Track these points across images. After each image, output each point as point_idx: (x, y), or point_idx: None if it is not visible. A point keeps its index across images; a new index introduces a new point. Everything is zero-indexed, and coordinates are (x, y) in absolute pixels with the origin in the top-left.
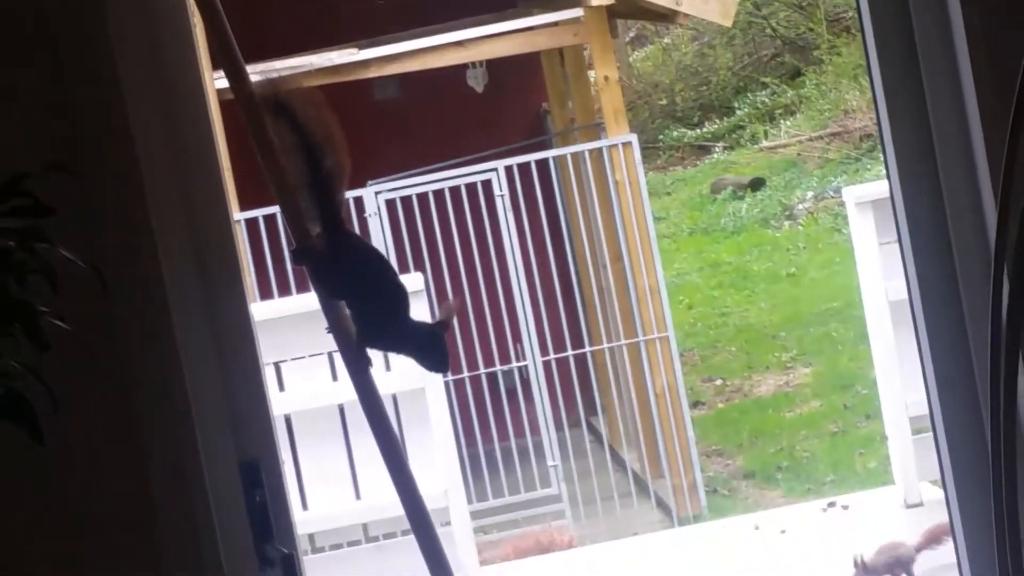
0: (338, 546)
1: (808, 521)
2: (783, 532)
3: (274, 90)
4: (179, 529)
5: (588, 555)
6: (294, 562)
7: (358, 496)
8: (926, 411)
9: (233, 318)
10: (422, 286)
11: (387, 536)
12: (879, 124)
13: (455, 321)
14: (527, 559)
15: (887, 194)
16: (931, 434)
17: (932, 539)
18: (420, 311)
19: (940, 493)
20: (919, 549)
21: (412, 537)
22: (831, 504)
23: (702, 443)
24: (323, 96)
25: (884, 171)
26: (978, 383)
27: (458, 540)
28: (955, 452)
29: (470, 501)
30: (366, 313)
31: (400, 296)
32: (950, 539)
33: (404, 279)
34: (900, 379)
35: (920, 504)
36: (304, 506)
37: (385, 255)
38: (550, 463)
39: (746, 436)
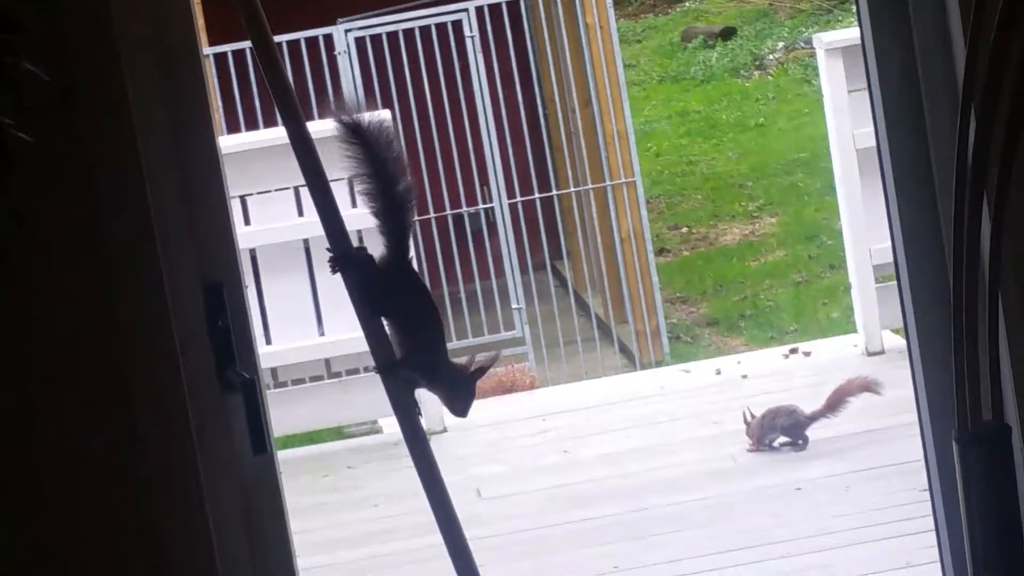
0: (300, 381)
1: (769, 366)
2: (744, 377)
3: (351, 117)
4: (143, 351)
5: (550, 395)
6: (255, 387)
7: (321, 332)
8: (890, 259)
9: (199, 142)
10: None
11: (350, 372)
12: None
13: (423, 168)
14: (489, 399)
15: (858, 40)
16: (894, 283)
17: (829, 408)
18: None
19: (901, 341)
20: (815, 417)
21: (374, 373)
22: (793, 350)
23: (666, 290)
24: (393, 127)
25: (856, 22)
26: (943, 229)
27: None
28: (918, 299)
29: None
30: (408, 334)
31: (440, 330)
32: (850, 405)
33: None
34: (865, 225)
35: (881, 352)
36: (267, 341)
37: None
38: (514, 306)
39: (710, 284)
